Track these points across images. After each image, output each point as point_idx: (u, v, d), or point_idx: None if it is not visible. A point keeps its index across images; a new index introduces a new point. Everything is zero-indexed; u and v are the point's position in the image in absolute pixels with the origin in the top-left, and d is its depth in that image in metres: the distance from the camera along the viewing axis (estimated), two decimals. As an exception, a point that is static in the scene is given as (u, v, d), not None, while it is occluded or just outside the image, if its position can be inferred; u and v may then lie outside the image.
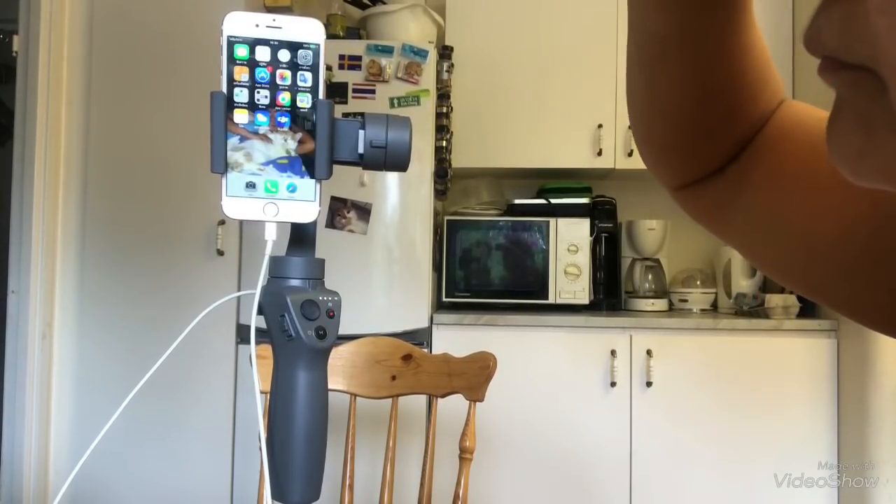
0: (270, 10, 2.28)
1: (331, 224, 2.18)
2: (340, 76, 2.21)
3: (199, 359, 2.19)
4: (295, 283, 0.55)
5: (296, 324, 0.52)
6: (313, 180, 0.52)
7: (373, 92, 2.22)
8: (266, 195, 0.52)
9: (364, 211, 2.20)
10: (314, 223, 0.54)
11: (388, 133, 0.54)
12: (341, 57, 2.22)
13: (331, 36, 2.28)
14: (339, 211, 2.19)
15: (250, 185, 0.52)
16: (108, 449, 2.12)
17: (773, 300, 2.23)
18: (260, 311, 0.54)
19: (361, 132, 0.54)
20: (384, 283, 2.23)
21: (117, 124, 2.28)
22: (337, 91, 2.20)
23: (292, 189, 0.52)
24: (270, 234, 0.53)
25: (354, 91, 2.22)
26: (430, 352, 2.12)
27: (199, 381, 2.21)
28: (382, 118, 0.54)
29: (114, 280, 2.26)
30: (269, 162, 0.52)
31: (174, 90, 2.25)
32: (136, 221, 2.26)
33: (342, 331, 0.57)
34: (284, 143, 0.52)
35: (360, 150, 0.54)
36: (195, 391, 2.21)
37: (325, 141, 0.52)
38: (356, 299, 2.17)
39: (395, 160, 0.54)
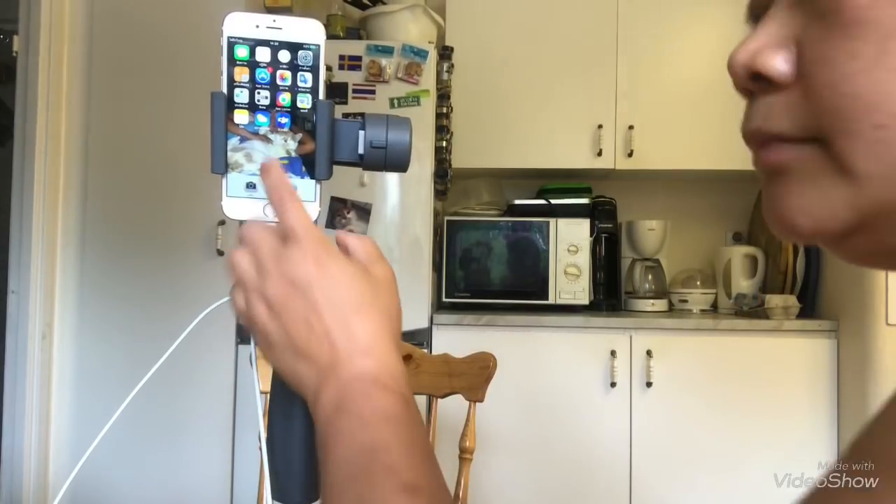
0: (270, 10, 2.28)
1: (331, 224, 2.18)
2: (340, 76, 2.21)
3: (199, 359, 2.19)
4: (295, 283, 0.55)
5: (296, 324, 0.52)
6: (313, 181, 0.52)
7: (373, 92, 2.22)
8: (266, 195, 0.52)
9: (364, 211, 2.20)
10: (314, 223, 0.54)
11: (388, 133, 0.54)
12: (341, 57, 2.22)
13: (331, 36, 2.28)
14: (339, 211, 2.19)
15: (250, 186, 0.52)
16: (108, 449, 2.12)
17: (773, 300, 2.23)
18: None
19: (361, 133, 0.54)
20: (384, 283, 2.22)
21: (117, 124, 2.28)
22: (337, 91, 2.20)
23: None
24: (270, 234, 0.53)
25: (354, 91, 2.22)
26: (430, 352, 2.12)
27: (199, 381, 2.21)
28: (382, 118, 0.54)
29: (114, 280, 2.26)
30: None
31: (174, 90, 2.25)
32: (136, 221, 2.26)
33: (342, 331, 0.57)
34: (284, 144, 0.52)
35: (360, 150, 0.54)
36: (195, 391, 2.21)
37: (325, 141, 0.52)
38: (356, 299, 2.16)
39: (395, 161, 0.54)
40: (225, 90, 0.51)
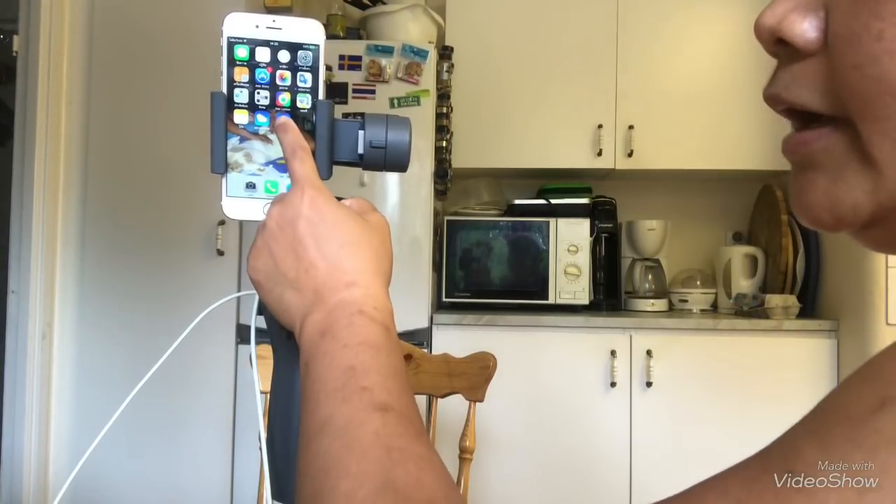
0: (270, 10, 2.28)
1: (331, 224, 2.18)
2: (340, 76, 2.21)
3: (199, 359, 2.19)
4: (295, 283, 0.55)
5: (296, 324, 0.52)
6: (313, 181, 0.52)
7: (373, 92, 2.22)
8: (266, 195, 0.52)
9: (364, 211, 2.20)
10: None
11: (387, 133, 0.54)
12: (341, 57, 2.22)
13: (331, 36, 2.28)
14: (339, 211, 2.19)
15: (250, 186, 0.52)
16: (108, 449, 2.12)
17: (773, 300, 2.23)
18: (260, 311, 0.54)
19: (361, 132, 0.54)
20: (384, 283, 2.22)
21: (117, 124, 2.28)
22: (337, 91, 2.20)
23: None
24: (270, 234, 0.53)
25: (354, 91, 2.22)
26: (430, 352, 2.12)
27: (199, 381, 2.21)
28: (382, 118, 0.54)
29: (114, 280, 2.26)
30: (269, 162, 0.52)
31: (174, 90, 2.25)
32: (136, 221, 2.26)
33: (342, 331, 0.57)
34: (284, 144, 0.52)
35: (360, 150, 0.54)
36: (195, 391, 2.21)
37: (324, 141, 0.52)
38: (356, 299, 2.16)
39: (395, 161, 0.54)
40: (225, 90, 0.51)
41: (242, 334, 2.22)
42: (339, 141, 0.54)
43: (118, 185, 2.28)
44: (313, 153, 0.52)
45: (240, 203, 0.52)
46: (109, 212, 2.28)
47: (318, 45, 0.52)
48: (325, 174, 0.53)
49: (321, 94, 0.52)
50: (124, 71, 2.28)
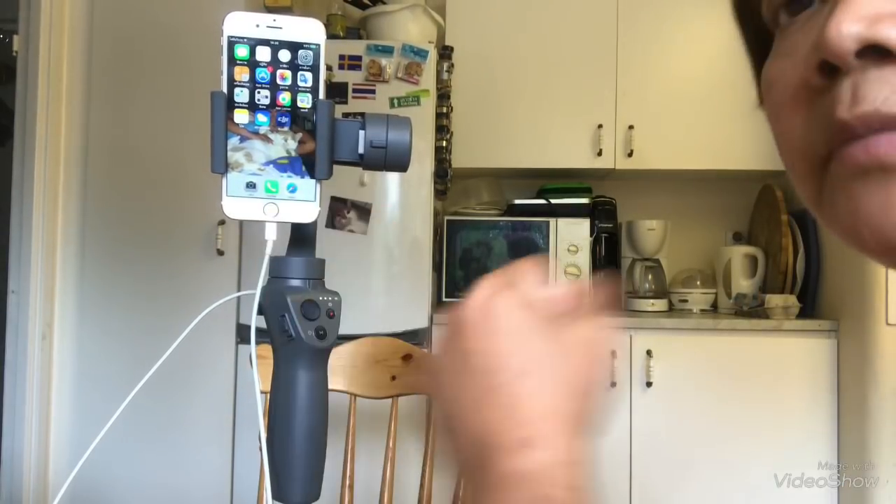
0: (270, 10, 2.28)
1: (331, 224, 2.18)
2: (340, 76, 2.21)
3: (199, 359, 2.19)
4: (295, 283, 0.55)
5: (296, 324, 0.52)
6: (313, 180, 0.52)
7: (373, 92, 2.22)
8: (266, 195, 0.52)
9: (364, 211, 2.20)
10: (314, 223, 0.54)
11: (388, 133, 0.54)
12: (341, 57, 2.22)
13: (331, 36, 2.28)
14: (339, 211, 2.19)
15: (250, 186, 0.52)
16: (108, 449, 2.12)
17: (773, 300, 2.23)
18: (260, 311, 0.54)
19: (361, 132, 0.54)
20: (384, 283, 2.23)
21: (117, 124, 2.28)
22: (337, 91, 2.20)
23: (292, 189, 0.52)
24: (270, 234, 0.53)
25: (354, 91, 2.22)
26: (431, 352, 2.12)
27: (199, 381, 2.21)
28: (382, 118, 0.54)
29: (114, 280, 2.26)
30: (270, 162, 0.52)
31: (174, 90, 2.25)
32: (136, 221, 2.26)
33: (342, 331, 0.57)
34: (285, 144, 0.52)
35: (361, 150, 0.54)
36: (195, 391, 2.21)
37: (325, 141, 0.52)
38: (356, 299, 2.17)
39: (396, 160, 0.54)
40: (225, 90, 0.51)
41: (242, 334, 2.21)
42: (340, 141, 0.54)
43: (118, 185, 2.27)
44: (313, 153, 0.52)
45: (240, 203, 0.52)
46: (109, 212, 2.28)
47: (318, 45, 0.52)
48: (326, 174, 0.53)
49: (321, 94, 0.52)
50: (124, 71, 2.28)
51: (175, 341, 0.55)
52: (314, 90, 0.52)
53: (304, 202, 0.52)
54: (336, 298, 0.55)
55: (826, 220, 0.32)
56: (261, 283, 0.53)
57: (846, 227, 0.30)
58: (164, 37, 2.27)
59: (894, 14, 0.27)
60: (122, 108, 2.28)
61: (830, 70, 0.29)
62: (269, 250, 0.53)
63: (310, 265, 0.55)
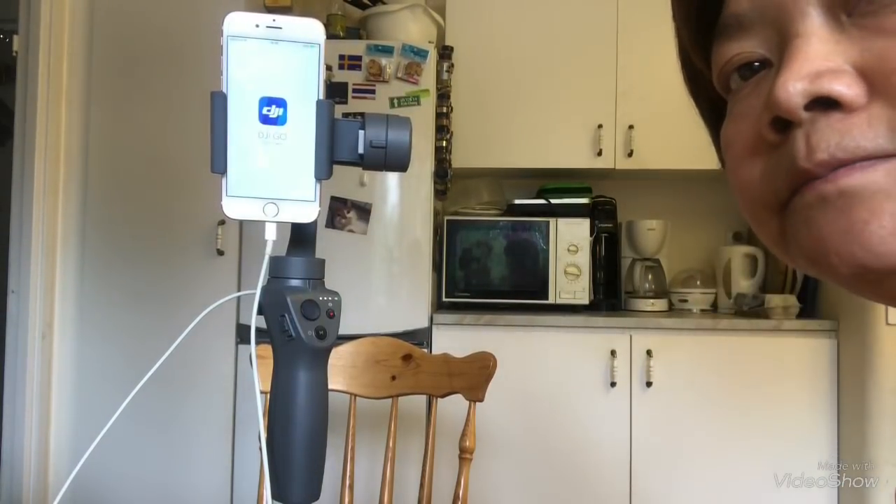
0: (271, 10, 2.28)
1: (331, 224, 2.18)
2: (340, 76, 2.21)
3: (199, 359, 2.19)
4: (295, 283, 0.55)
5: (296, 324, 0.52)
6: (313, 180, 0.52)
7: (373, 92, 2.22)
8: (266, 195, 0.52)
9: (364, 211, 2.20)
10: (314, 223, 0.54)
11: (388, 133, 0.54)
12: (341, 57, 2.22)
13: (331, 36, 2.28)
14: (339, 211, 2.19)
15: (250, 185, 0.52)
16: (108, 449, 2.12)
17: (773, 300, 2.23)
18: (260, 311, 0.54)
19: (361, 132, 0.54)
20: (384, 283, 2.23)
21: (117, 124, 2.28)
22: (337, 91, 2.20)
23: (292, 189, 0.52)
24: (270, 234, 0.53)
25: (354, 91, 2.22)
26: (430, 352, 2.12)
27: (199, 381, 2.21)
28: (382, 118, 0.54)
29: (114, 280, 2.26)
30: (270, 162, 0.52)
31: (174, 90, 2.25)
32: (136, 221, 2.26)
33: (342, 331, 0.57)
34: (285, 144, 0.52)
35: (360, 150, 0.54)
36: (195, 391, 2.21)
37: (325, 141, 0.52)
38: (356, 299, 2.17)
39: (395, 160, 0.54)
40: (225, 90, 0.51)
41: (242, 334, 2.21)
42: (340, 141, 0.53)
43: (118, 185, 2.28)
44: (314, 153, 0.52)
45: (240, 203, 0.52)
46: (109, 212, 2.28)
47: (318, 45, 0.52)
48: (326, 174, 0.53)
49: (321, 94, 0.52)
50: (124, 71, 2.28)
51: (175, 341, 0.55)
52: (314, 90, 0.52)
53: (303, 202, 0.52)
54: (336, 298, 0.55)
55: (792, 256, 0.34)
56: (261, 283, 0.53)
57: (813, 257, 0.32)
58: (164, 37, 2.27)
59: (831, 70, 0.30)
60: (122, 107, 2.28)
61: (783, 125, 0.31)
62: (269, 250, 0.53)
63: (310, 265, 0.55)
